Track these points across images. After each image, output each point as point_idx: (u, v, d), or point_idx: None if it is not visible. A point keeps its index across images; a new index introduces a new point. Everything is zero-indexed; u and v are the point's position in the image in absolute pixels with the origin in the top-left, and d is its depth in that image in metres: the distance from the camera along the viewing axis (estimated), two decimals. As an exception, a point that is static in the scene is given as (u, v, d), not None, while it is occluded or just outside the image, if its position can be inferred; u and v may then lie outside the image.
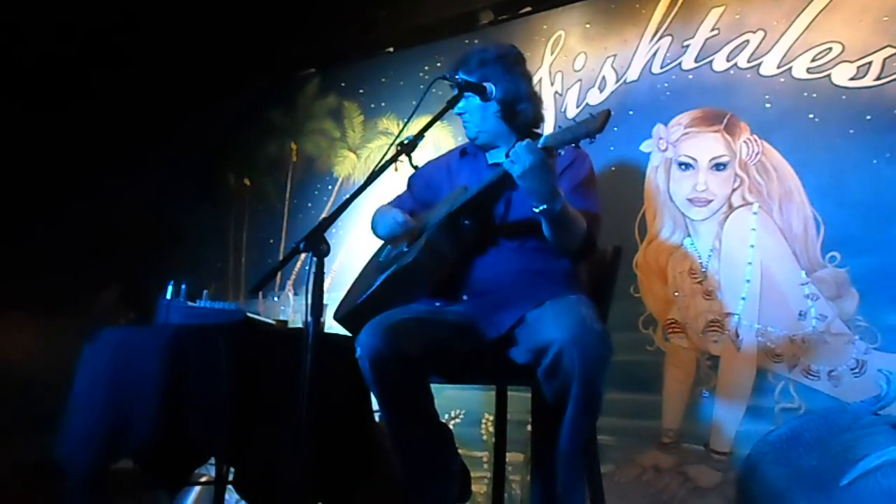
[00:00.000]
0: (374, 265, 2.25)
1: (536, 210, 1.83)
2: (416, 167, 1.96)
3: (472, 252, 2.03)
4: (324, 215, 1.71)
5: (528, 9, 3.25)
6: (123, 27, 3.90)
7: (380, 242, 2.37)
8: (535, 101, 2.16)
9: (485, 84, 2.07)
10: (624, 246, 2.29)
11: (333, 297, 2.28)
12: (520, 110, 2.10)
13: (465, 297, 2.01)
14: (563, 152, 1.80)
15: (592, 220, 1.99)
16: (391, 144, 1.91)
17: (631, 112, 2.86)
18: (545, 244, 1.95)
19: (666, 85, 2.81)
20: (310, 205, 3.83)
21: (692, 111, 2.73)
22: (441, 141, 2.96)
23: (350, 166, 3.72)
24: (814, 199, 2.45)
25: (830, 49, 2.48)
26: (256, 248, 4.00)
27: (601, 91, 2.96)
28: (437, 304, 2.03)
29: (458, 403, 3.00)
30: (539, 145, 1.76)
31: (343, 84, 3.83)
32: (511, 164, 1.79)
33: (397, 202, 2.36)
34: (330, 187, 3.77)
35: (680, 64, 2.79)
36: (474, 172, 2.15)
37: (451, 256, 2.01)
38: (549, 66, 3.08)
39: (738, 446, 2.42)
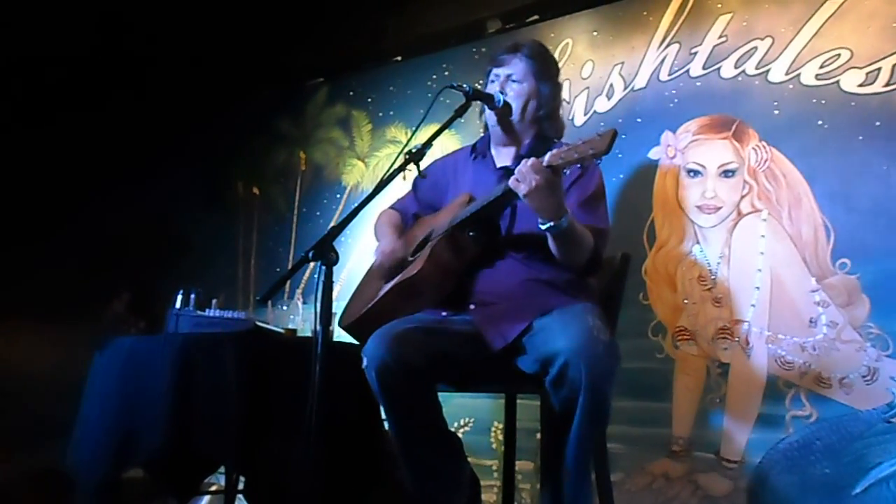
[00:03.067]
0: (377, 272, 2.24)
1: (542, 227, 1.82)
2: (424, 176, 1.96)
3: (479, 262, 2.02)
4: (332, 224, 1.72)
5: (536, 17, 3.25)
6: (133, 37, 3.93)
7: None
8: (552, 108, 2.18)
9: (492, 93, 2.08)
10: (633, 253, 2.28)
11: (342, 305, 2.29)
12: (537, 116, 2.13)
13: (471, 307, 2.00)
14: (568, 172, 1.80)
15: (599, 235, 1.98)
16: (399, 153, 1.91)
17: (639, 119, 2.85)
18: (552, 254, 1.94)
19: (674, 92, 2.80)
20: (318, 213, 3.84)
21: (700, 118, 2.72)
22: (449, 149, 2.94)
23: (358, 175, 3.73)
24: (823, 206, 2.43)
25: (839, 55, 2.47)
26: (265, 257, 4.01)
27: (609, 99, 2.96)
28: (444, 313, 2.03)
29: (467, 411, 2.99)
30: (544, 164, 1.76)
31: (351, 93, 3.84)
32: (517, 184, 1.79)
33: (401, 204, 2.37)
34: (338, 196, 3.78)
35: (688, 71, 2.78)
36: (480, 176, 2.15)
37: (456, 267, 2.01)
38: (556, 73, 3.08)
39: (749, 454, 2.40)
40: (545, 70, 2.18)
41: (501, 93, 2.11)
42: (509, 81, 2.12)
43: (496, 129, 2.16)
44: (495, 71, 2.16)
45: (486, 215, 2.00)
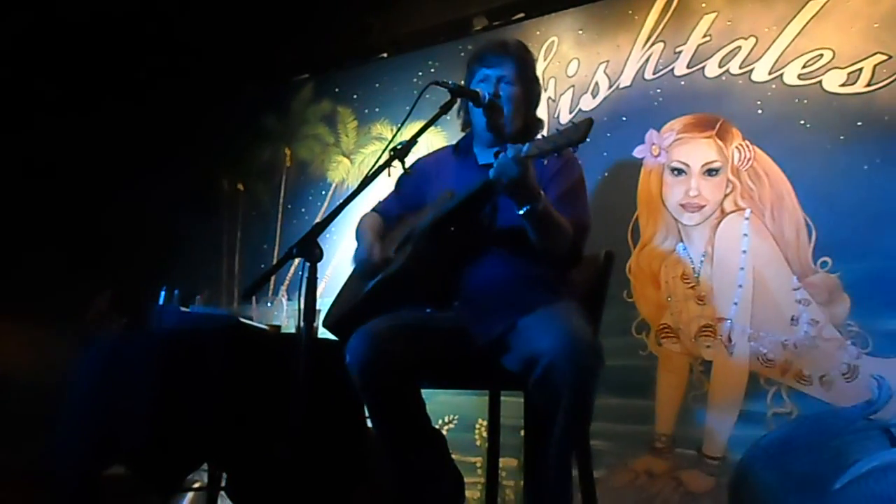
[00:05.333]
0: (359, 273, 2.24)
1: (519, 212, 1.83)
2: (409, 172, 1.95)
3: (462, 258, 2.02)
4: (317, 220, 1.71)
5: (522, 15, 3.26)
6: (118, 34, 3.90)
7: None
8: (536, 105, 2.18)
9: (477, 89, 2.08)
10: (617, 251, 2.29)
11: (326, 302, 2.28)
12: (524, 116, 2.13)
13: (455, 304, 2.00)
14: (546, 161, 1.82)
15: (579, 228, 1.99)
16: (384, 149, 1.91)
17: (624, 118, 2.87)
18: (534, 250, 1.95)
19: (658, 91, 2.82)
20: (303, 210, 3.83)
21: (684, 117, 2.74)
22: (434, 146, 2.95)
23: (344, 171, 3.72)
24: (805, 205, 2.46)
25: (821, 55, 2.49)
26: (250, 254, 3.99)
27: (594, 97, 2.97)
28: (428, 310, 2.03)
29: (451, 409, 3.00)
30: (522, 154, 1.77)
31: (337, 89, 3.83)
32: (496, 175, 1.80)
33: (384, 205, 2.35)
34: (324, 192, 3.77)
35: (672, 70, 2.80)
36: (461, 174, 2.15)
37: (439, 263, 2.01)
38: (542, 72, 3.08)
39: (731, 451, 2.42)
40: (532, 70, 2.19)
41: (495, 95, 2.10)
42: (502, 84, 2.11)
43: (481, 126, 2.15)
44: (485, 71, 2.14)
45: (468, 210, 2.00)
